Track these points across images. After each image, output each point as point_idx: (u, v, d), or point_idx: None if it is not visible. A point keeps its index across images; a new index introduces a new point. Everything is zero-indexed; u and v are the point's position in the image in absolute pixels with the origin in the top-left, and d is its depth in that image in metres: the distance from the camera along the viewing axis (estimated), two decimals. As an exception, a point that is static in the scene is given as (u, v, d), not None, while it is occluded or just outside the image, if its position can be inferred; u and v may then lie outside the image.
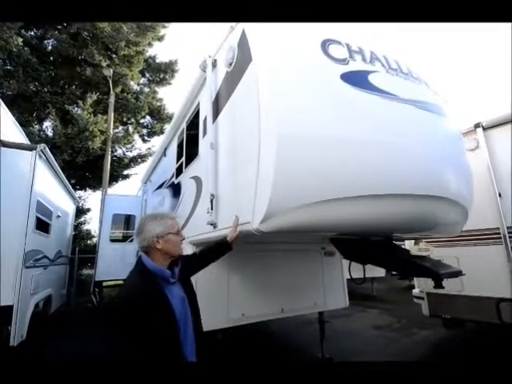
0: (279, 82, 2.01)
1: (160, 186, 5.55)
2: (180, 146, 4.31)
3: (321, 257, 4.22)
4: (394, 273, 11.37)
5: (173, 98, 15.67)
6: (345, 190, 1.86)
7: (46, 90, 11.81)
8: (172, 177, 4.59)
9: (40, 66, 11.17)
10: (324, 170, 1.85)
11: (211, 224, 2.64)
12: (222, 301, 3.34)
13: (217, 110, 2.90)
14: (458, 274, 2.21)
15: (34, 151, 4.07)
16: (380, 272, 10.18)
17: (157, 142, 15.30)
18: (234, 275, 3.46)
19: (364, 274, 2.85)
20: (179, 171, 4.24)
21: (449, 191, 2.32)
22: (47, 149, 4.37)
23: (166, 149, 5.24)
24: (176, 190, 4.33)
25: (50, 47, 12.22)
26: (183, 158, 4.02)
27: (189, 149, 3.93)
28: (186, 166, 3.87)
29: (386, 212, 2.03)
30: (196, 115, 3.70)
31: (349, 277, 3.40)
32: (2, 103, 4.19)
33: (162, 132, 15.12)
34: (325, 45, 2.17)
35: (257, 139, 2.01)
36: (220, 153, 2.78)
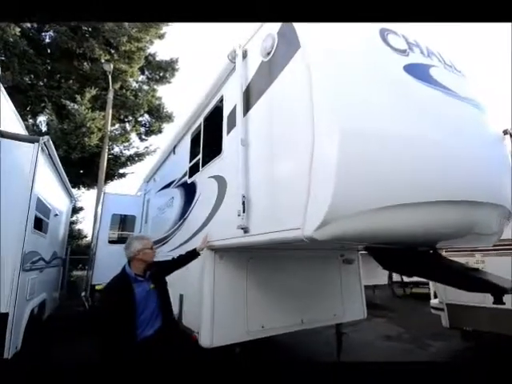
0: (337, 69, 1.79)
1: (167, 186, 5.24)
2: (195, 143, 4.03)
3: (339, 264, 4.01)
4: (393, 280, 11.27)
5: (173, 96, 15.34)
6: (416, 195, 1.63)
7: (42, 83, 11.36)
8: (184, 176, 4.30)
9: (37, 58, 10.73)
10: (392, 171, 1.62)
11: (242, 228, 2.38)
12: (241, 312, 3.10)
13: (247, 103, 2.66)
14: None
15: (37, 144, 3.71)
16: (383, 279, 10.04)
17: (154, 141, 14.93)
18: (253, 285, 3.23)
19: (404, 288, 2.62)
20: (193, 170, 3.96)
21: (505, 198, 2.14)
22: (51, 142, 4.02)
23: (175, 146, 4.94)
24: (189, 190, 4.04)
25: (48, 39, 11.78)
26: (199, 156, 3.74)
27: (207, 146, 3.67)
28: (204, 165, 3.60)
29: (452, 219, 1.82)
30: (216, 110, 3.45)
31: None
32: (4, 91, 3.85)
33: (159, 131, 14.77)
34: (383, 33, 1.96)
35: (309, 134, 1.77)
36: (251, 150, 2.53)
